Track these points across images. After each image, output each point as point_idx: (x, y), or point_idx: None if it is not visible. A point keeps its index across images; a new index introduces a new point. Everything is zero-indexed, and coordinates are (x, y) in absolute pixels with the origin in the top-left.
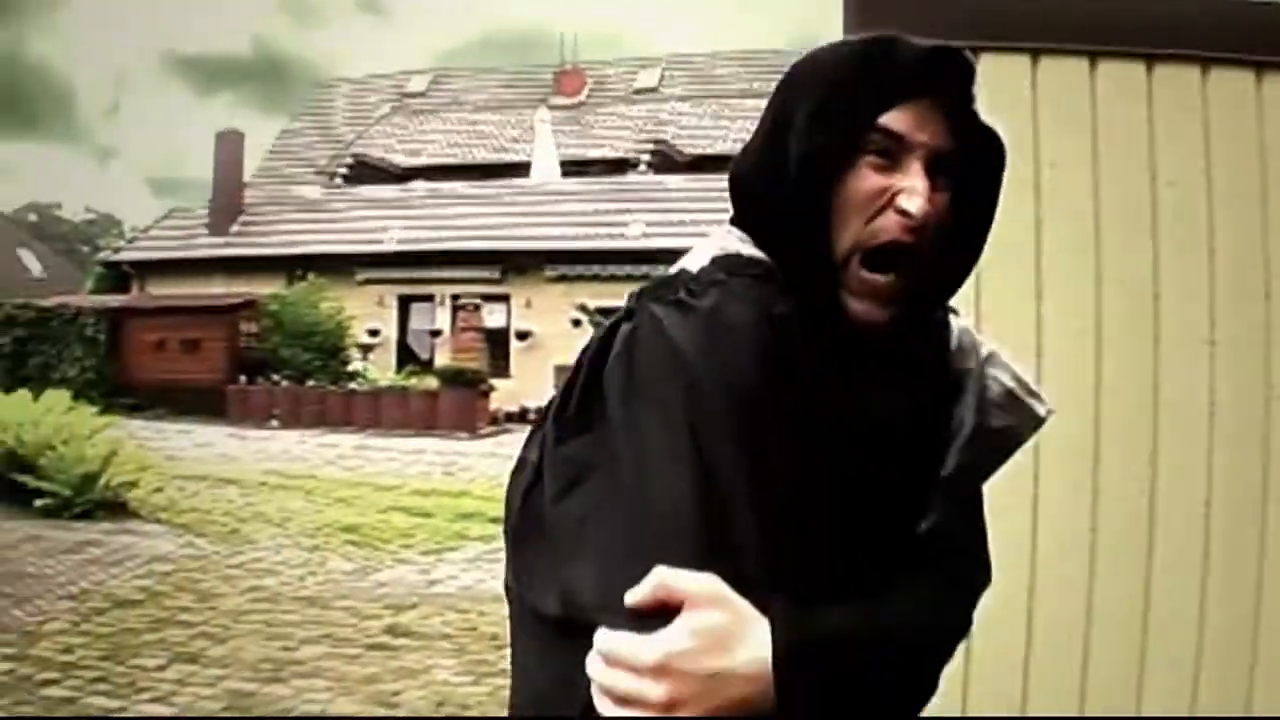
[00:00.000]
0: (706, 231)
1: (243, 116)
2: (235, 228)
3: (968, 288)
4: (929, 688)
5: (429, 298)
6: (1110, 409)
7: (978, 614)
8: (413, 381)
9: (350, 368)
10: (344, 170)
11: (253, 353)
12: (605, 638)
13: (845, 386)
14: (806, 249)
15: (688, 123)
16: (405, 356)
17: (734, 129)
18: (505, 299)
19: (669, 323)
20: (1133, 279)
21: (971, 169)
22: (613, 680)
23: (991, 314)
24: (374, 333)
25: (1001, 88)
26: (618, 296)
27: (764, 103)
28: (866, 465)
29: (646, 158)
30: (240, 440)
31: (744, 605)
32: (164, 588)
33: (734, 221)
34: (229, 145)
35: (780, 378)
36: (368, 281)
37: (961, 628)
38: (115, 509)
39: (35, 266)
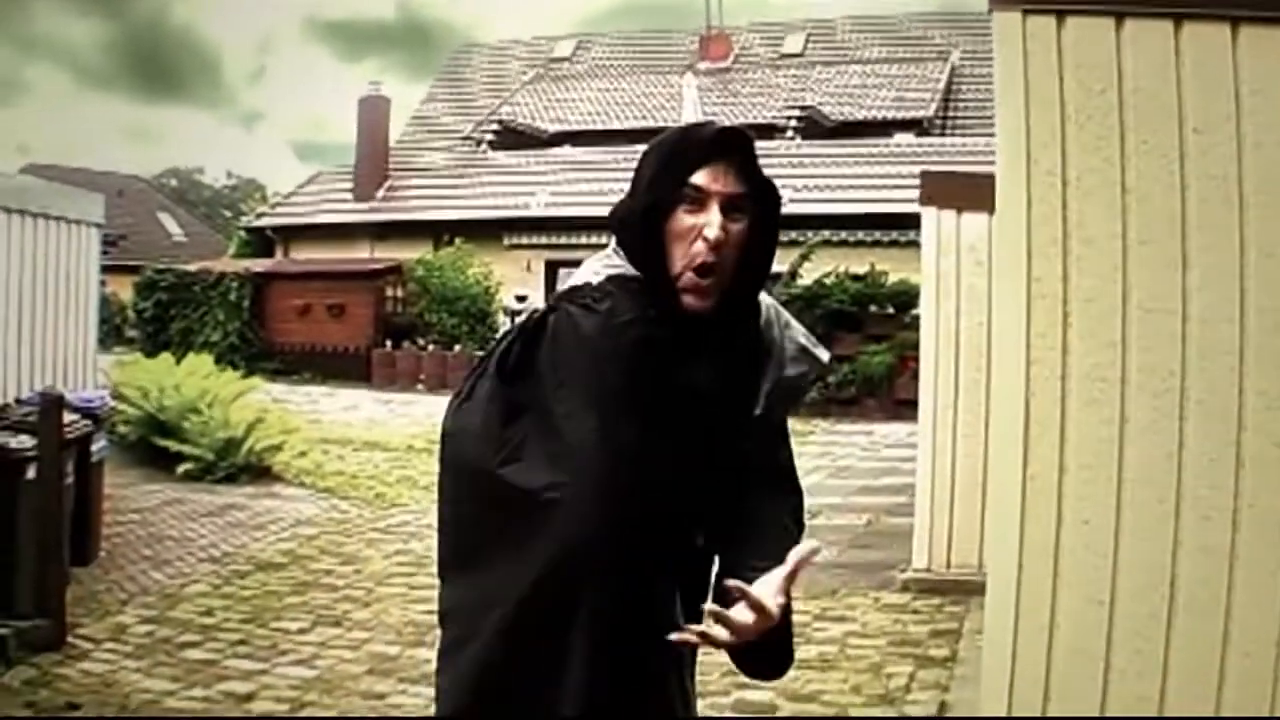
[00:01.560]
0: (845, 196)
1: (387, 81)
2: (380, 193)
3: (1116, 255)
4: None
5: (577, 263)
6: (1255, 375)
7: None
8: None
9: (498, 335)
10: (489, 135)
11: (399, 318)
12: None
13: (684, 359)
14: (653, 267)
15: (834, 88)
16: None
17: (880, 94)
18: None
19: (581, 320)
20: (1277, 245)
21: (759, 207)
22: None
23: (1138, 283)
24: (521, 298)
25: (1145, 53)
26: None
27: (910, 68)
28: (697, 407)
29: (794, 123)
30: (386, 405)
31: None
32: (308, 551)
33: (616, 244)
34: (373, 110)
35: (648, 353)
36: (515, 247)
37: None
38: (259, 473)
39: (176, 231)
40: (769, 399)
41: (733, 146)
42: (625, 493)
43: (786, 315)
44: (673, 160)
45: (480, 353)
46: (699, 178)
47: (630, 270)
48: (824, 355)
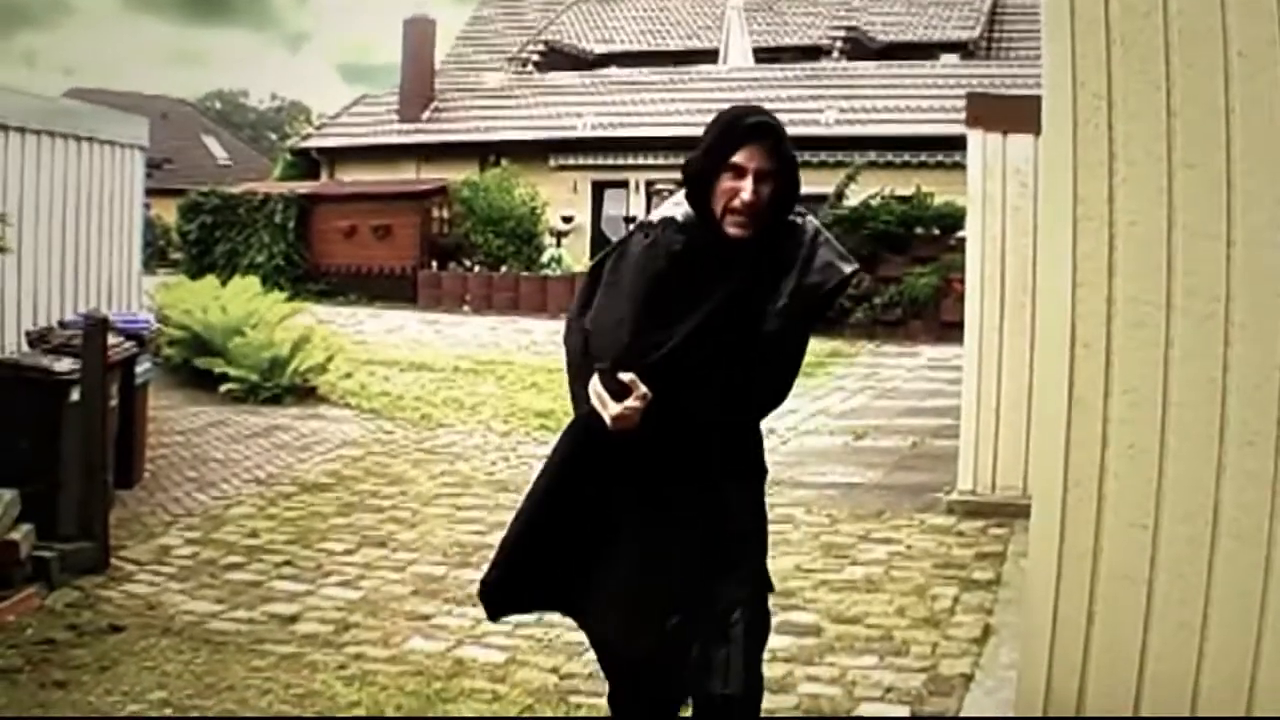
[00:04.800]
0: (890, 118)
1: (433, 2)
2: (426, 114)
3: (1161, 178)
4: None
5: (623, 184)
6: None
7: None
8: None
9: (544, 256)
10: (535, 57)
11: (445, 239)
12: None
13: (715, 276)
14: (704, 208)
15: (880, 10)
16: (599, 242)
17: (925, 16)
18: None
19: (636, 242)
20: None
21: (785, 174)
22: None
23: (1183, 206)
24: (568, 219)
25: None
26: (811, 183)
27: None
28: (720, 310)
29: (839, 45)
30: (432, 326)
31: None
32: (353, 472)
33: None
34: (419, 31)
35: (675, 270)
36: (561, 168)
37: (773, 397)
38: (304, 394)
39: (221, 154)
40: (792, 299)
41: (766, 133)
42: (632, 346)
43: (825, 235)
44: (719, 140)
45: (526, 273)
46: (738, 156)
47: (687, 209)
48: (849, 268)
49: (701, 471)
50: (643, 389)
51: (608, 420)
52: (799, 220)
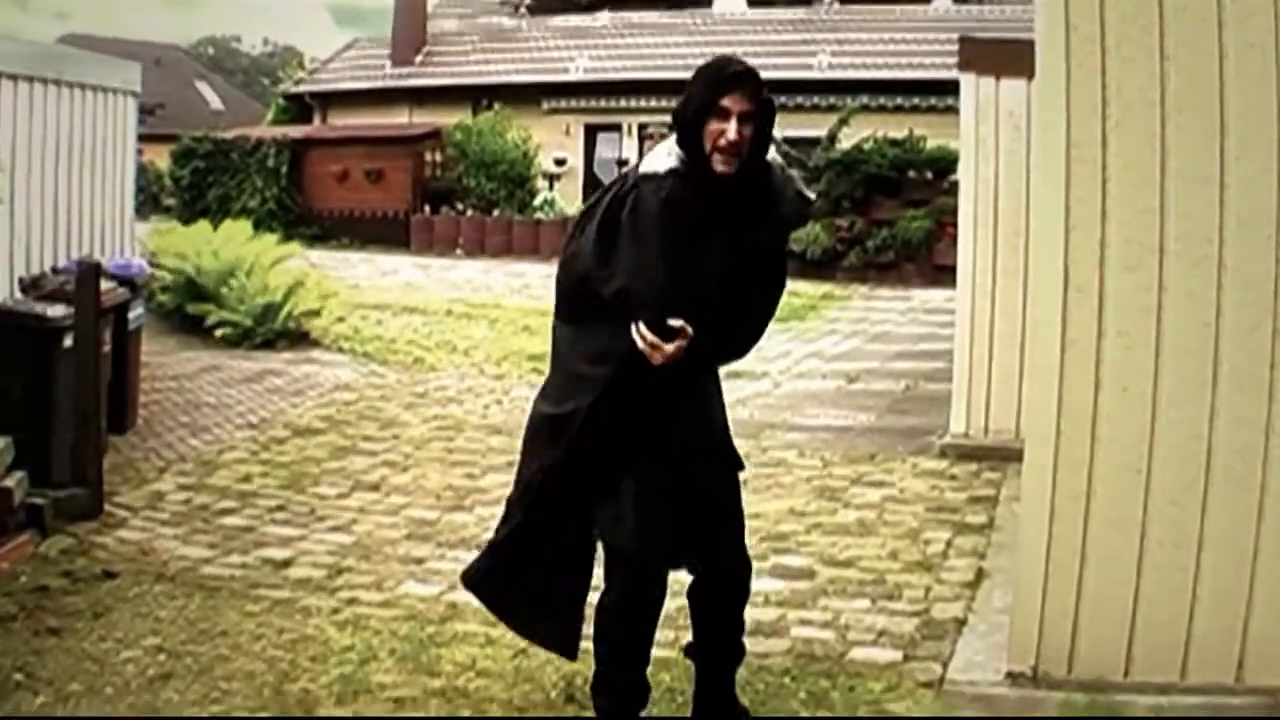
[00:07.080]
0: (883, 62)
1: None
2: (419, 58)
3: (1154, 122)
4: (743, 344)
5: (616, 127)
6: None
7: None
8: None
9: (537, 199)
10: (528, 1)
11: (437, 183)
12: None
13: (716, 218)
14: (694, 150)
15: None
16: (592, 186)
17: None
18: None
19: (650, 200)
20: None
21: (763, 115)
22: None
23: (1176, 150)
24: (560, 162)
25: None
26: (804, 127)
27: None
28: (724, 246)
29: None
30: (424, 270)
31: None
32: (346, 416)
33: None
34: None
35: (689, 219)
36: (554, 111)
37: (765, 317)
38: (297, 338)
39: (214, 99)
40: (775, 227)
41: (746, 80)
42: (670, 293)
43: (789, 171)
44: (707, 87)
45: (519, 216)
46: (725, 101)
47: (681, 155)
48: (811, 196)
49: (699, 379)
50: (689, 330)
51: (658, 359)
52: (768, 159)
